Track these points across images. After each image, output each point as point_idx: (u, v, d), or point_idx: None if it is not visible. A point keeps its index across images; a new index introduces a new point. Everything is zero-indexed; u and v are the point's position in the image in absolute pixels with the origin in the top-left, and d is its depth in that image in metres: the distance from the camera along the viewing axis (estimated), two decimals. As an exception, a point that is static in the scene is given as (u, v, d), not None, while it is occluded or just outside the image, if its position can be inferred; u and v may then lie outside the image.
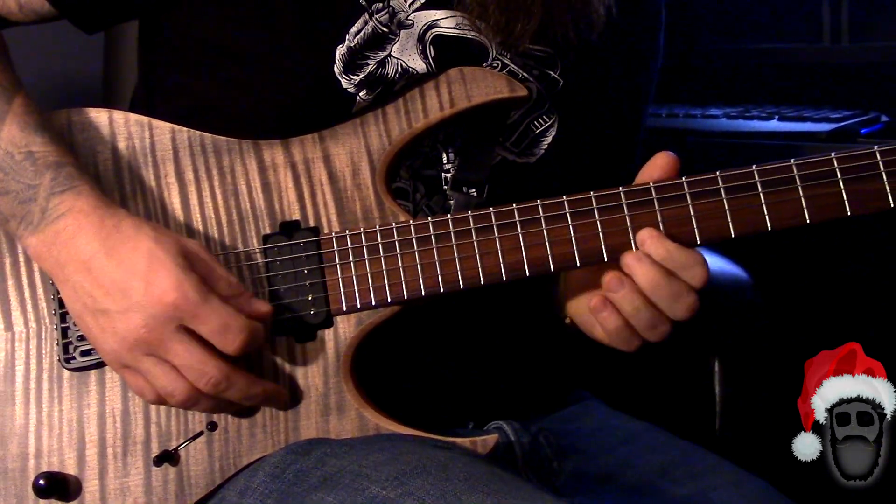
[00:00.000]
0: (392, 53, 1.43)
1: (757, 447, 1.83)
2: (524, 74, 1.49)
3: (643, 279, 1.33)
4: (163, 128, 1.41)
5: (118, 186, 1.40)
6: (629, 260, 1.34)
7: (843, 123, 2.08)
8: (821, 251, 2.14)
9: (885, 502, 1.42)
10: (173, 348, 1.28)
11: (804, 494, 1.47)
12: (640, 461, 1.53)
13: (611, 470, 1.52)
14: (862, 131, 2.09)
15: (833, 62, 2.45)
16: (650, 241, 1.34)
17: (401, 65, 1.43)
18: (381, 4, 1.43)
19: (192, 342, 1.28)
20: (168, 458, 1.36)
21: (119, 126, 1.41)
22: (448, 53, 1.45)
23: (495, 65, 1.47)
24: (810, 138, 2.07)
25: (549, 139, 1.52)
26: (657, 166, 1.38)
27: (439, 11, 1.46)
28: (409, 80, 1.44)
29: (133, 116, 1.42)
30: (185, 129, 1.41)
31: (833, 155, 1.34)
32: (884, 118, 2.14)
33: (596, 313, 1.37)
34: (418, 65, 1.44)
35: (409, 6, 1.45)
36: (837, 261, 2.17)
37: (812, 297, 2.25)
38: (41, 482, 1.34)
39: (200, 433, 1.37)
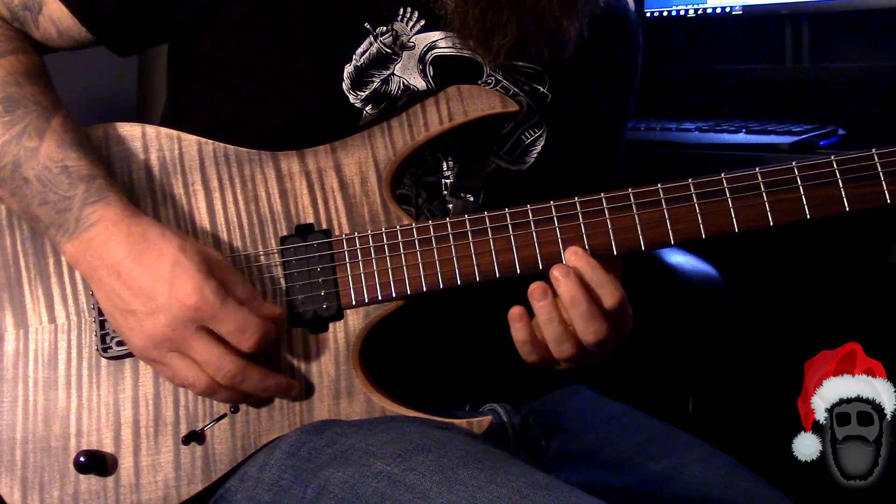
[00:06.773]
0: (395, 72, 1.43)
1: (725, 427, 1.82)
2: (515, 90, 1.48)
3: (566, 293, 1.32)
4: (190, 140, 1.41)
5: (150, 193, 1.40)
6: (557, 273, 1.32)
7: (803, 136, 2.07)
8: (822, 252, 2.12)
9: (885, 502, 1.38)
10: (194, 346, 1.28)
11: (803, 494, 1.44)
12: (619, 440, 1.53)
13: (593, 447, 1.52)
14: (821, 143, 2.08)
15: (795, 81, 2.44)
16: (574, 257, 1.33)
17: (403, 82, 1.43)
18: (384, 28, 1.43)
19: (211, 340, 1.29)
20: (195, 437, 1.36)
21: (151, 139, 1.42)
22: (446, 72, 1.45)
23: (489, 81, 1.47)
24: (774, 150, 2.06)
25: (539, 148, 1.51)
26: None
27: (437, 33, 1.45)
28: (411, 97, 1.44)
29: (164, 130, 1.42)
30: (210, 141, 1.41)
31: (794, 164, 1.33)
32: (841, 131, 2.13)
33: (513, 321, 1.35)
34: (419, 83, 1.43)
35: (411, 29, 1.45)
36: (838, 261, 2.15)
37: (812, 297, 2.22)
38: (82, 459, 1.35)
39: (224, 415, 1.37)
